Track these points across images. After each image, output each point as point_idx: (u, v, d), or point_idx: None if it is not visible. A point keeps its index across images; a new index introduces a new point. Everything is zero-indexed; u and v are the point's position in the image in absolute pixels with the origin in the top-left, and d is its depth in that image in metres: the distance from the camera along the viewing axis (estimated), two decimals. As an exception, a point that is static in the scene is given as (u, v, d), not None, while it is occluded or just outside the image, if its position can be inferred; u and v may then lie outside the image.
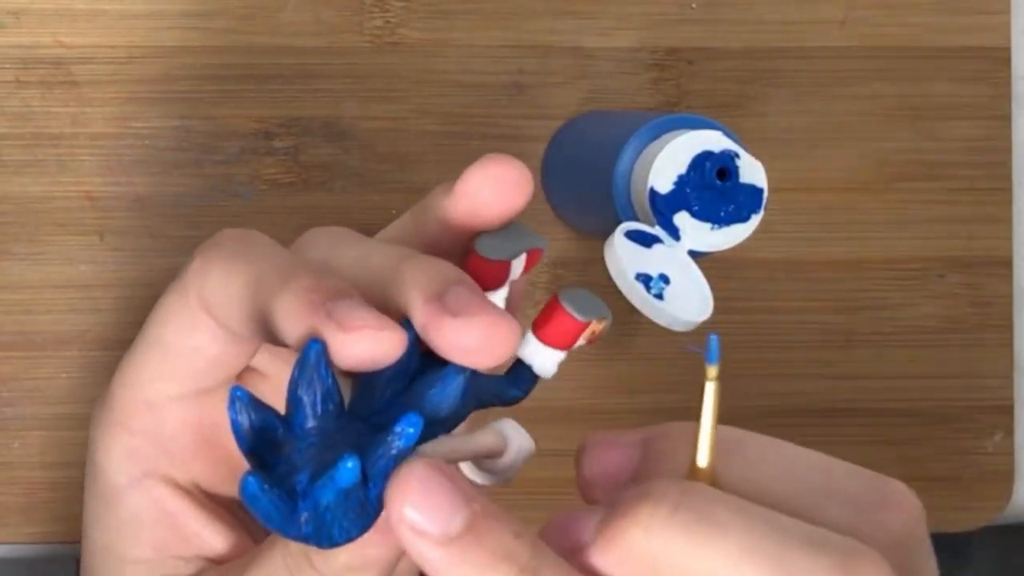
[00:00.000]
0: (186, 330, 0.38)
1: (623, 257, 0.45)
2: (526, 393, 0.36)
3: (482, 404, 0.36)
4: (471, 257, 0.37)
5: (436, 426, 0.33)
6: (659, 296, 0.45)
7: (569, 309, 0.36)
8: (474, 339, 0.33)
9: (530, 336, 0.37)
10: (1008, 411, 0.59)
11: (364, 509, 0.31)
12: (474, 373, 0.34)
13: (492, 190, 0.37)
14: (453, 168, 0.56)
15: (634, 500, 0.31)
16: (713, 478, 0.32)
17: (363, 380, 0.33)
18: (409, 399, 0.33)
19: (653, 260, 0.46)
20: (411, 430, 0.32)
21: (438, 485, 0.31)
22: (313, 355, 0.32)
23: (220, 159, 0.55)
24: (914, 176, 0.58)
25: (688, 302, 0.45)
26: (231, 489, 0.40)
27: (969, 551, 0.65)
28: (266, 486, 0.31)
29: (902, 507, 0.33)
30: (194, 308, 0.37)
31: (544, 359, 0.37)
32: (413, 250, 0.36)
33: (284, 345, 0.34)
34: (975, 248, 0.58)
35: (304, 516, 0.31)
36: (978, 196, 0.58)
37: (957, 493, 0.59)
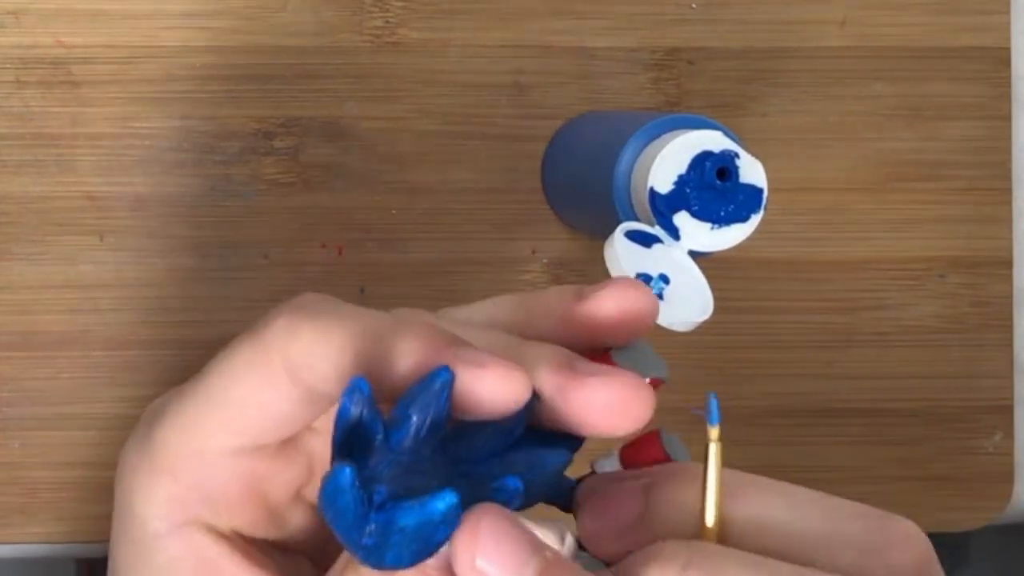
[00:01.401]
0: (261, 388, 0.36)
1: (623, 257, 0.45)
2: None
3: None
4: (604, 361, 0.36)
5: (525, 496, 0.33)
6: (659, 296, 0.45)
7: (669, 451, 0.36)
8: (615, 398, 0.32)
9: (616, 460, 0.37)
10: (1008, 411, 0.59)
11: (425, 545, 0.31)
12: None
13: (624, 317, 0.36)
14: (453, 168, 0.56)
15: (643, 562, 0.31)
16: (720, 534, 0.32)
17: (465, 430, 0.33)
18: (504, 462, 0.33)
19: (653, 260, 0.46)
20: (511, 488, 0.31)
21: (507, 534, 0.30)
22: (439, 382, 0.32)
23: (220, 159, 0.55)
24: (914, 176, 0.58)
25: (688, 302, 0.45)
26: (272, 534, 0.40)
27: (969, 551, 0.65)
28: (357, 483, 0.30)
29: (908, 546, 0.32)
30: (275, 367, 0.36)
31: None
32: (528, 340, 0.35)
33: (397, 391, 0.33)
34: (975, 248, 0.58)
35: (371, 528, 0.30)
36: (978, 196, 0.58)
37: (957, 493, 0.59)
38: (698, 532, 0.32)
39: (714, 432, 0.33)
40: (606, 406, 0.32)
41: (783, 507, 0.32)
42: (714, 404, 0.33)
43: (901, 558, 0.32)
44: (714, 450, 0.32)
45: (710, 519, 0.32)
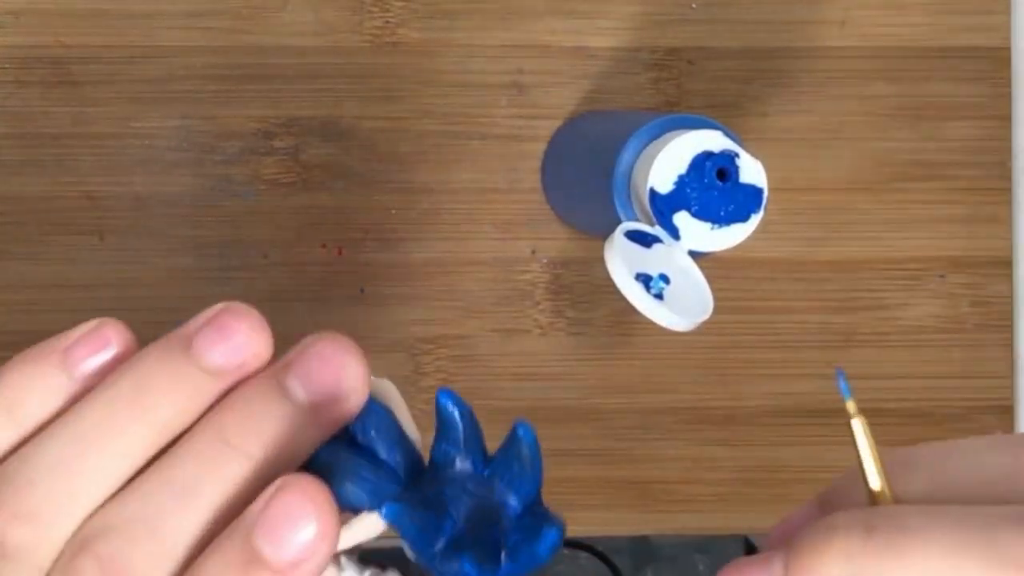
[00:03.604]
0: None
1: (623, 257, 0.45)
2: None
3: None
4: None
5: None
6: (659, 296, 0.45)
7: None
8: None
9: None
10: (1008, 411, 0.59)
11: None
12: None
13: None
14: (453, 168, 0.56)
15: (823, 534, 0.31)
16: (893, 498, 0.32)
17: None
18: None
19: (653, 260, 0.46)
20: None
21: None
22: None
23: (220, 159, 0.55)
24: (914, 176, 0.58)
25: (688, 302, 0.45)
26: None
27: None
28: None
29: None
30: None
31: None
32: None
33: None
34: (975, 248, 0.58)
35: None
36: (978, 196, 0.58)
37: (957, 493, 0.59)
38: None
39: (851, 406, 0.33)
40: None
41: (959, 463, 0.32)
42: (841, 378, 0.33)
43: None
44: (857, 424, 0.34)
45: (875, 483, 0.32)
